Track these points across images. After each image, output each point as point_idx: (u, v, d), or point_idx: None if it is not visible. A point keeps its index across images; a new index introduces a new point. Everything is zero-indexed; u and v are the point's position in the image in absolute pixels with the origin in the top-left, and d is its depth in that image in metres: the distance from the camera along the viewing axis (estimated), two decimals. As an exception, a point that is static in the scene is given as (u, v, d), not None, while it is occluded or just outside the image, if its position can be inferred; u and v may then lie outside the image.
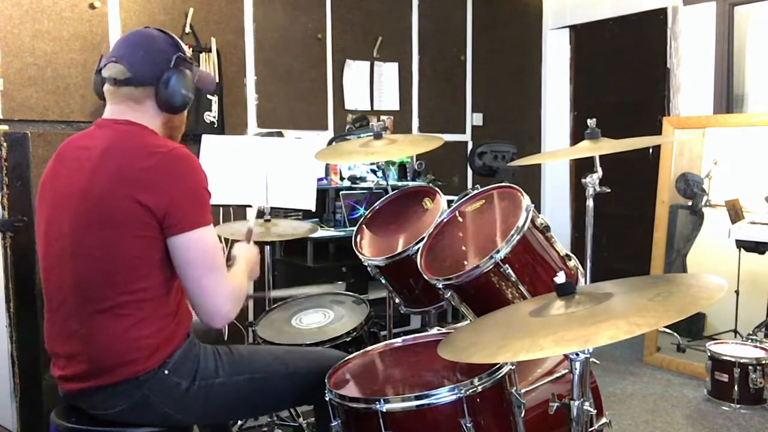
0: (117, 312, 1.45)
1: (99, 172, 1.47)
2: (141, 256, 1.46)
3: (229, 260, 1.91)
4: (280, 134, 3.71)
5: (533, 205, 1.71)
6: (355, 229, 2.20)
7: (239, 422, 2.58)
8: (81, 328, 1.48)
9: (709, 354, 3.17)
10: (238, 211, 3.50)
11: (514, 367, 1.46)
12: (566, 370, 1.69)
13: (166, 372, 1.49)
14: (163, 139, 1.56)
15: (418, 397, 1.36)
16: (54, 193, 1.55)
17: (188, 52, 1.62)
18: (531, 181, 5.17)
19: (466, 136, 4.82)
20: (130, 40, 1.57)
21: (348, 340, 2.09)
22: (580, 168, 4.89)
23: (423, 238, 1.89)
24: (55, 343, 1.55)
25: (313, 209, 2.98)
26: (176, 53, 1.56)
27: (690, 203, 3.75)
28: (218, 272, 1.50)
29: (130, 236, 1.44)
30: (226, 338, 2.10)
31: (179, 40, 1.61)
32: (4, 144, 2.35)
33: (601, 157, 1.92)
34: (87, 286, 1.47)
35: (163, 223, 1.45)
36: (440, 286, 1.71)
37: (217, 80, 3.58)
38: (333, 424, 1.47)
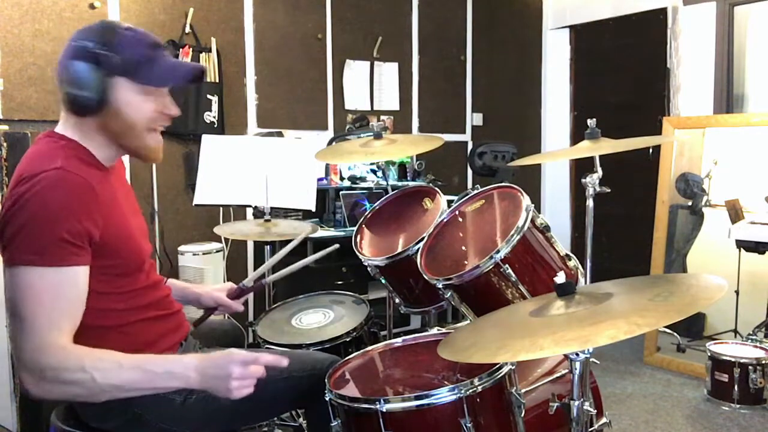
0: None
1: None
2: None
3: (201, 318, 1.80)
4: (280, 134, 3.71)
5: (533, 205, 1.70)
6: (355, 229, 2.21)
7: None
8: None
9: (709, 354, 3.17)
10: (239, 211, 3.51)
11: (514, 367, 1.45)
12: (566, 370, 1.69)
13: None
14: (52, 161, 1.31)
15: (418, 397, 1.36)
16: None
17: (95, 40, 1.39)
18: (531, 181, 5.18)
19: (466, 136, 4.82)
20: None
21: (348, 340, 2.09)
22: (580, 168, 4.90)
23: (423, 238, 1.89)
24: None
25: (313, 209, 2.98)
26: (83, 45, 1.38)
27: (690, 203, 3.74)
28: (23, 325, 1.23)
29: None
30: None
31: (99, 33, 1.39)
32: (4, 144, 2.34)
33: (601, 157, 1.92)
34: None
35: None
36: (440, 286, 1.70)
37: (217, 80, 3.59)
38: (333, 424, 1.46)
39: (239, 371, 1.31)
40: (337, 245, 2.01)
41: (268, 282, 1.93)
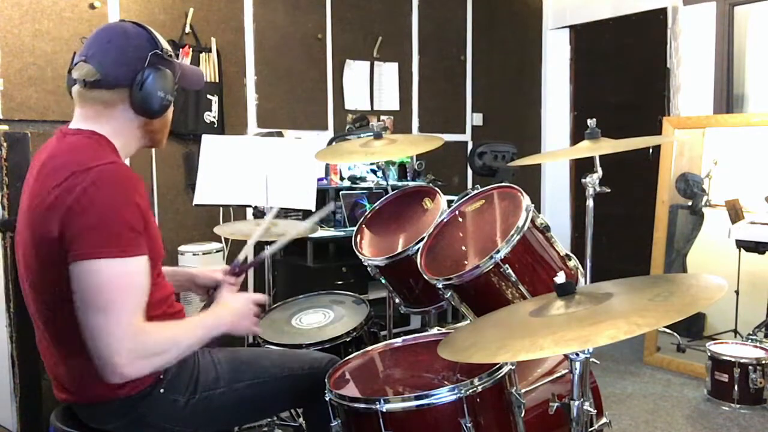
0: (82, 351, 1.31)
1: (32, 192, 1.37)
2: (66, 288, 1.30)
3: (208, 301, 1.77)
4: (280, 134, 3.71)
5: (533, 205, 1.71)
6: (355, 229, 2.21)
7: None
8: (61, 365, 1.42)
9: (709, 354, 3.17)
10: (238, 211, 3.51)
11: (514, 367, 1.46)
12: (566, 370, 1.69)
13: (162, 390, 1.44)
14: (101, 155, 1.35)
15: (418, 397, 1.36)
16: (20, 211, 1.46)
17: (167, 47, 1.47)
18: (531, 181, 5.18)
19: (466, 136, 4.82)
20: (101, 37, 1.41)
21: (348, 340, 2.09)
22: (580, 168, 4.90)
23: (423, 238, 1.89)
24: (47, 366, 1.49)
25: (313, 209, 2.98)
26: (152, 50, 1.41)
27: (690, 203, 3.74)
28: (110, 314, 1.26)
29: (50, 264, 1.31)
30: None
31: (157, 36, 1.45)
32: (4, 144, 2.34)
33: (601, 157, 1.92)
34: (46, 319, 1.39)
35: (65, 249, 1.28)
36: (440, 286, 1.70)
37: (217, 80, 3.59)
38: (333, 424, 1.46)
39: (255, 309, 1.59)
40: (332, 205, 2.01)
41: (268, 255, 1.93)
